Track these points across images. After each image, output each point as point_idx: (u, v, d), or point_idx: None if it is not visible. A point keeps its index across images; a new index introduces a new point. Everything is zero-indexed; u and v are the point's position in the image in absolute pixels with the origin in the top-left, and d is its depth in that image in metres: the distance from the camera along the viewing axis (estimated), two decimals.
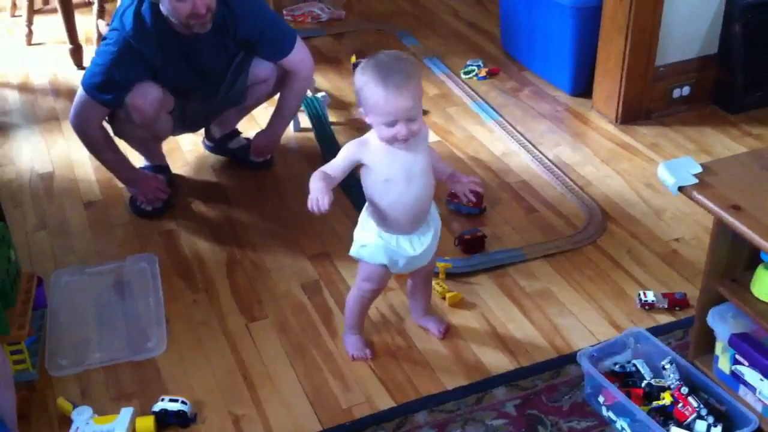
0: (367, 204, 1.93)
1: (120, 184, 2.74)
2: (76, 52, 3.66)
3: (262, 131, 2.84)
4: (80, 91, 2.48)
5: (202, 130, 2.96)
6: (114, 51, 2.40)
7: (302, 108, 3.13)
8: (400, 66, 1.73)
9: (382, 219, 1.89)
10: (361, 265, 1.99)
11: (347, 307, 2.07)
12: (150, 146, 2.76)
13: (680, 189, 1.74)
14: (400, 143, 1.78)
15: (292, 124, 3.07)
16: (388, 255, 1.91)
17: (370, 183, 1.86)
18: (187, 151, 3.02)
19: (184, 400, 1.93)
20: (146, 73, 2.45)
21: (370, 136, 1.84)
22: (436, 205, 2.00)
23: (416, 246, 1.91)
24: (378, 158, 1.82)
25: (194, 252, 2.51)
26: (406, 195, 1.84)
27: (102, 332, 2.21)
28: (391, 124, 1.74)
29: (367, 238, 1.92)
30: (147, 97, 2.47)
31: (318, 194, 1.77)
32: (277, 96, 2.80)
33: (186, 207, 2.73)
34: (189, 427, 1.91)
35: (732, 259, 1.83)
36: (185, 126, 2.77)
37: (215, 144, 2.96)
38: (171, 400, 1.92)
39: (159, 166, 2.80)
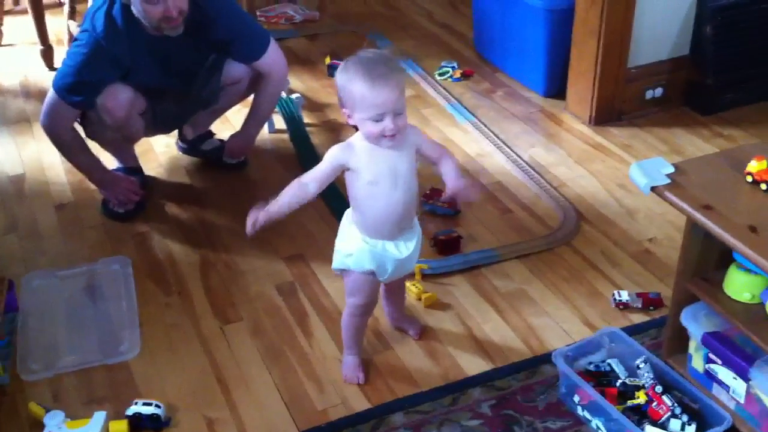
0: (348, 212, 1.90)
1: (92, 186, 2.71)
2: (47, 53, 3.61)
3: (236, 133, 2.82)
4: (51, 93, 2.44)
5: (176, 132, 2.94)
6: (85, 52, 2.37)
7: (277, 109, 3.12)
8: (382, 59, 1.73)
9: (367, 225, 1.85)
10: (347, 279, 1.93)
11: (342, 327, 2.02)
12: (122, 148, 2.74)
13: (652, 189, 1.75)
14: (388, 140, 1.74)
15: (266, 125, 3.06)
16: (376, 260, 1.86)
17: (355, 187, 1.82)
18: (160, 153, 3.00)
19: (158, 403, 1.91)
20: (117, 74, 2.43)
21: (354, 139, 1.81)
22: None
23: (402, 250, 1.87)
24: (363, 160, 1.79)
25: (167, 254, 2.49)
26: (392, 197, 1.81)
27: (74, 336, 2.19)
28: (379, 118, 1.71)
29: (352, 246, 1.87)
30: (118, 98, 2.44)
31: (252, 218, 1.82)
32: (251, 97, 2.79)
33: (159, 209, 2.71)
34: (162, 430, 1.90)
35: (704, 259, 1.84)
36: (158, 127, 2.75)
37: (189, 145, 2.94)
38: (144, 404, 1.90)
39: (132, 167, 2.78)
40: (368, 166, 1.79)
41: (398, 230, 1.87)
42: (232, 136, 2.82)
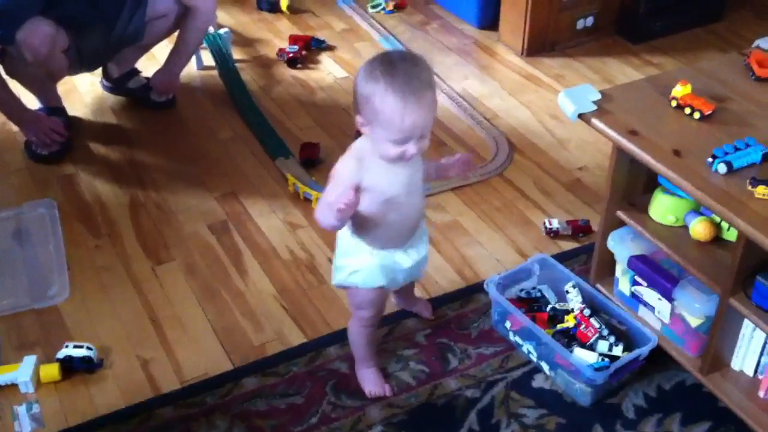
0: (350, 225, 1.67)
1: (15, 128, 2.62)
2: None
3: (160, 69, 2.75)
4: None
5: (100, 70, 2.85)
6: None
7: (205, 45, 3.04)
8: (417, 74, 1.47)
9: (378, 237, 1.66)
10: (353, 293, 1.76)
11: (351, 340, 1.85)
12: (44, 87, 2.65)
13: (580, 116, 1.76)
14: (405, 161, 1.55)
15: (195, 61, 2.99)
16: (386, 274, 1.69)
17: (368, 205, 1.60)
18: (84, 92, 2.91)
19: (90, 345, 1.89)
20: (38, 4, 2.32)
21: (363, 152, 1.57)
22: None
23: (413, 255, 1.72)
24: (379, 178, 1.57)
25: (95, 196, 2.43)
26: (406, 210, 1.64)
27: (1, 281, 2.14)
28: (402, 142, 1.50)
29: (359, 262, 1.68)
30: (39, 33, 2.34)
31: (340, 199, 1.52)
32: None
33: (85, 150, 2.63)
34: (96, 372, 1.88)
35: (631, 184, 1.87)
36: (81, 65, 2.65)
37: (114, 84, 2.86)
38: (75, 347, 1.88)
39: (55, 107, 2.69)
40: (386, 186, 1.59)
41: (411, 236, 1.72)
42: (156, 73, 2.75)
